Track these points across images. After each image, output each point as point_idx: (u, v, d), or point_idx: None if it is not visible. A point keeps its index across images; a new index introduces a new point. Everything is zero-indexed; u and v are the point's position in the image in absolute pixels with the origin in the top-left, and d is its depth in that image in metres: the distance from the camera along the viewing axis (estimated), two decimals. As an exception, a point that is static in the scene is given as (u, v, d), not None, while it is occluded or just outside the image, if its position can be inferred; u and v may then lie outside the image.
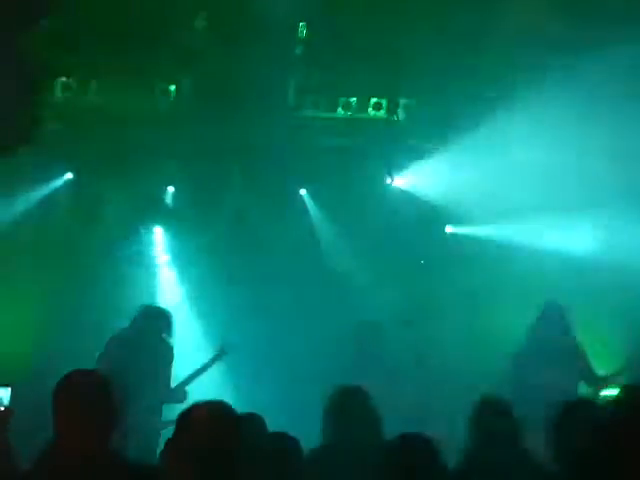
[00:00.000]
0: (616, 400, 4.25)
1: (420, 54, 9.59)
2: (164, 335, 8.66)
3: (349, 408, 5.92)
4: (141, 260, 10.52)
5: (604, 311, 9.83)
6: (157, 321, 8.69)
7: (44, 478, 4.17)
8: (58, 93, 9.91)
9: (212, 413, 3.95)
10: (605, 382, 8.86)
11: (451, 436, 5.73)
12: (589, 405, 5.29)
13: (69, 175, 10.61)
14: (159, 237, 10.73)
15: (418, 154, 10.44)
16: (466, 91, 9.90)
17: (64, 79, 9.89)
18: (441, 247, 10.79)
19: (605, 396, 8.57)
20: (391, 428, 5.35)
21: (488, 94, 9.84)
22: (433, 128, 10.30)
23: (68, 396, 4.32)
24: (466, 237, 10.59)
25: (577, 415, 4.99)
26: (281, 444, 4.96)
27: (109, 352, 8.46)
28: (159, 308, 9.00)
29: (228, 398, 4.13)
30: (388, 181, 10.78)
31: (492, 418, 5.69)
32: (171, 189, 10.80)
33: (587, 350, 9.05)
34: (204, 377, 8.86)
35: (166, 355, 8.65)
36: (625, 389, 4.40)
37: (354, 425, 5.83)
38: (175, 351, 8.71)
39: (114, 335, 8.72)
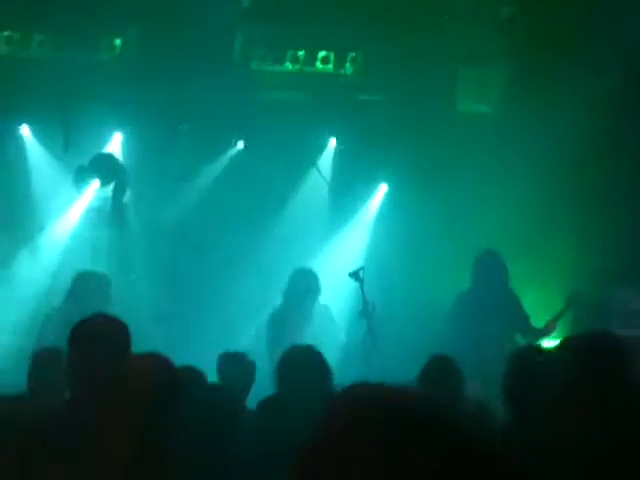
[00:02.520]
0: (560, 350, 4.31)
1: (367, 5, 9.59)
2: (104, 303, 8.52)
3: (299, 362, 5.91)
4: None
5: (540, 260, 9.94)
6: (99, 288, 8.58)
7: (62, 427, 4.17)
8: (1, 47, 9.80)
9: (150, 363, 3.97)
10: (543, 333, 8.98)
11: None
12: (538, 353, 5.36)
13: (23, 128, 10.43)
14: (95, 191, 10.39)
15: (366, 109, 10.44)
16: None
17: (6, 33, 9.78)
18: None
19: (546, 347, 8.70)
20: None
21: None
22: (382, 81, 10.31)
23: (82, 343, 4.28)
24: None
25: (529, 364, 5.05)
26: (219, 395, 5.01)
27: (49, 327, 8.30)
28: (97, 274, 8.89)
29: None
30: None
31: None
32: (119, 137, 10.58)
33: (523, 301, 9.18)
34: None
35: None
36: (568, 340, 4.47)
37: (304, 378, 5.83)
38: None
39: (55, 308, 8.61)
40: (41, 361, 5.50)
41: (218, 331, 9.22)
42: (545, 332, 8.95)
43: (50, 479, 4.06)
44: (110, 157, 10.21)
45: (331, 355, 8.25)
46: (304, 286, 9.00)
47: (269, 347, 8.52)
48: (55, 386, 4.61)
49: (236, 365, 6.20)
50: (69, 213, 10.26)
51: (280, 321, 8.90)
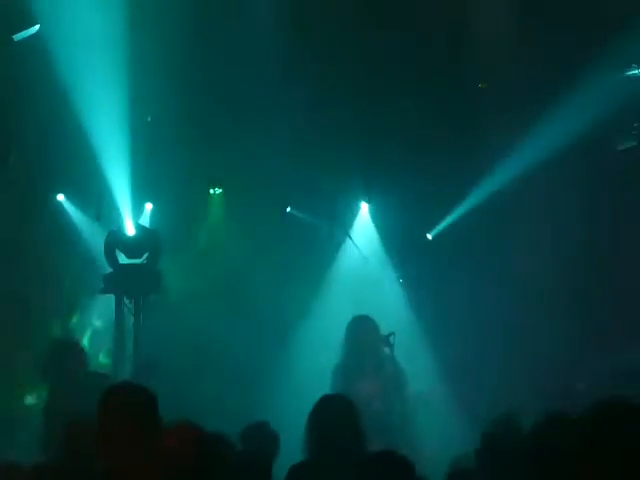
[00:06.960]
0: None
1: None
2: None
3: (333, 420, 5.49)
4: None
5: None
6: None
7: None
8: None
9: (182, 435, 3.99)
10: None
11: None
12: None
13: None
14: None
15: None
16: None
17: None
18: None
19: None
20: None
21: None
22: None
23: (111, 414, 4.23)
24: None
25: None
26: (250, 462, 4.95)
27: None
28: None
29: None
30: None
31: None
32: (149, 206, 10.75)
33: None
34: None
35: None
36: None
37: (338, 439, 5.42)
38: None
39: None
40: (73, 431, 5.48)
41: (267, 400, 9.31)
42: None
43: None
44: (145, 228, 10.28)
45: (397, 407, 8.28)
46: (359, 334, 8.69)
47: None
48: (88, 455, 4.60)
49: (260, 436, 6.09)
50: None
51: (342, 373, 8.56)
